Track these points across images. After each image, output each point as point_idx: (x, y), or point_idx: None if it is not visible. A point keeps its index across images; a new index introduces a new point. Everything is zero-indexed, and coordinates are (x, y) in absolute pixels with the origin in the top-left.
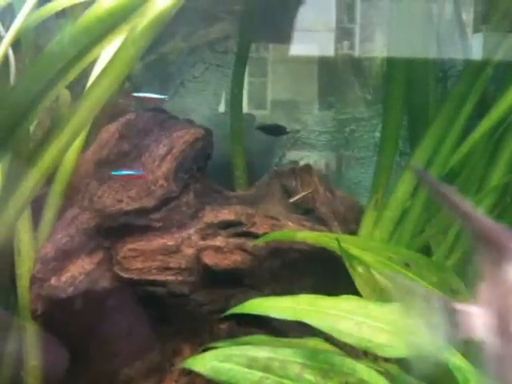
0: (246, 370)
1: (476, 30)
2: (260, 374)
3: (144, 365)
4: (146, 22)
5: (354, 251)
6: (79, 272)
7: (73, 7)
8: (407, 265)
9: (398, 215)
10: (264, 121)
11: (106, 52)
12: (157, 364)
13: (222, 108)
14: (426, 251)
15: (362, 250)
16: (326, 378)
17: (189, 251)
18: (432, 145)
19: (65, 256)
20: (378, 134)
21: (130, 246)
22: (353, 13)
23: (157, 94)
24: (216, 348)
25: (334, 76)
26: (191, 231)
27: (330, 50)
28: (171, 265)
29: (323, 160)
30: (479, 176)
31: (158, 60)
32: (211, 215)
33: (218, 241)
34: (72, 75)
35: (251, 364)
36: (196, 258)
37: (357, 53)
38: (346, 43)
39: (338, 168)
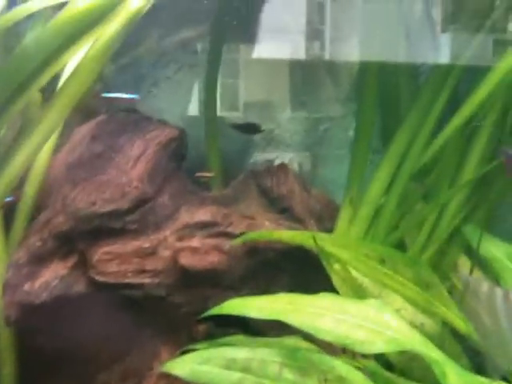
0: (225, 371)
1: (445, 29)
2: (239, 374)
3: (121, 368)
4: (119, 22)
5: (331, 249)
6: (53, 277)
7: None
8: (383, 261)
9: (373, 212)
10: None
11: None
12: (134, 367)
13: (195, 108)
14: (401, 247)
15: (339, 247)
16: (305, 376)
17: (165, 253)
18: (405, 142)
19: (38, 261)
20: (351, 133)
21: (105, 249)
22: (323, 14)
23: (129, 94)
24: (195, 350)
25: (306, 76)
26: (167, 233)
27: (301, 51)
28: (147, 267)
29: (298, 159)
30: (452, 172)
31: (130, 61)
32: (187, 216)
33: (195, 242)
34: (44, 78)
35: (230, 365)
36: (172, 259)
37: (328, 53)
38: (316, 43)
39: (312, 166)
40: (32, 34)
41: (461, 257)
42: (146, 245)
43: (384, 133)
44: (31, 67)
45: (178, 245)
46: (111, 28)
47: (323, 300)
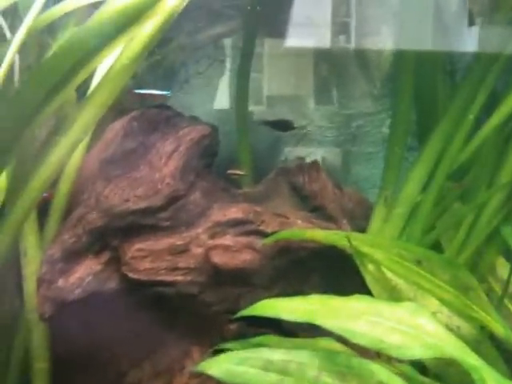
0: (262, 372)
1: (483, 22)
2: (277, 376)
3: (152, 366)
4: (155, 21)
5: (364, 249)
6: (87, 273)
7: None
8: (419, 262)
9: (408, 211)
10: (262, 116)
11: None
12: (166, 366)
13: (226, 104)
14: (437, 248)
15: (372, 247)
16: (344, 381)
17: (197, 250)
18: (441, 140)
19: (72, 257)
20: (384, 129)
21: (138, 245)
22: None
23: (160, 90)
24: (226, 350)
25: (337, 71)
26: (199, 230)
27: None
28: (180, 265)
29: (329, 156)
30: (490, 171)
31: (162, 57)
32: (219, 213)
33: (227, 240)
34: (80, 78)
35: (267, 366)
36: (205, 257)
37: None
38: (342, 37)
39: (344, 164)
40: (66, 34)
41: (499, 258)
42: (179, 242)
43: (420, 129)
44: (67, 66)
45: (211, 242)
46: (147, 27)
47: (357, 302)
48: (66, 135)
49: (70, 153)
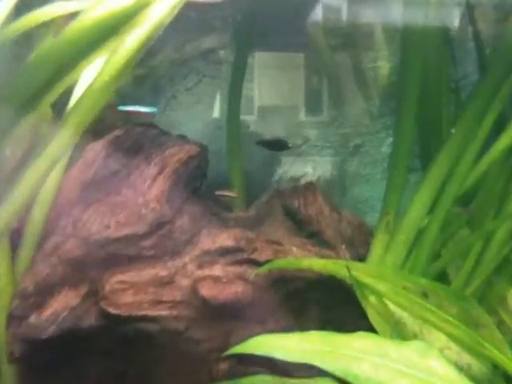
0: None
1: None
2: None
3: None
4: (140, 34)
5: (366, 279)
6: (62, 308)
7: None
8: (425, 294)
9: (412, 238)
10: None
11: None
12: None
13: (216, 122)
14: (443, 277)
15: (374, 278)
16: None
17: (184, 282)
18: (448, 161)
19: (46, 290)
20: (384, 149)
21: (119, 277)
22: None
23: (146, 107)
24: None
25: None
26: (186, 259)
27: None
28: (164, 298)
29: (326, 176)
30: (498, 197)
31: (148, 71)
32: (208, 241)
33: (217, 270)
34: (56, 93)
35: None
36: (192, 289)
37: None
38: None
39: (341, 185)
40: (42, 45)
41: (510, 289)
42: (164, 273)
43: (422, 150)
44: (41, 80)
45: (199, 273)
46: (130, 40)
47: (360, 341)
48: (42, 156)
49: (45, 175)
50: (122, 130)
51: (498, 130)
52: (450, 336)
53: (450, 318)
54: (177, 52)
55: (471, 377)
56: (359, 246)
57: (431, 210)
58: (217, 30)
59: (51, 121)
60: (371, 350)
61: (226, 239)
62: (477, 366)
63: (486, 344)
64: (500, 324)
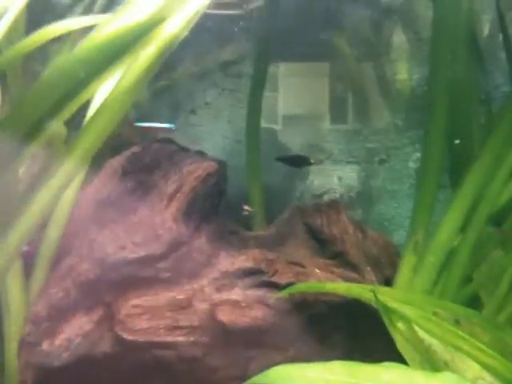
0: None
1: None
2: None
3: None
4: (152, 50)
5: (393, 304)
6: (76, 334)
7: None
8: (457, 321)
9: (442, 260)
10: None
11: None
12: None
13: (236, 136)
14: (476, 303)
15: (402, 302)
16: None
17: (201, 306)
18: (480, 178)
19: (59, 314)
20: (411, 164)
21: (135, 301)
22: None
23: (164, 122)
24: None
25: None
26: (204, 282)
27: None
28: (181, 323)
29: (349, 193)
30: None
31: (166, 85)
32: (227, 262)
33: (235, 294)
34: (69, 110)
35: None
36: (210, 314)
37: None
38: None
39: (366, 203)
40: (56, 61)
41: None
42: (181, 296)
43: (452, 165)
44: (55, 97)
45: (217, 297)
46: (144, 56)
47: (388, 372)
48: (55, 175)
49: (58, 195)
50: (139, 146)
51: None
52: (484, 365)
53: (484, 347)
54: (196, 65)
55: None
56: (386, 268)
57: (462, 229)
58: (236, 42)
59: (65, 139)
60: (399, 382)
61: (245, 261)
62: None
63: None
64: None
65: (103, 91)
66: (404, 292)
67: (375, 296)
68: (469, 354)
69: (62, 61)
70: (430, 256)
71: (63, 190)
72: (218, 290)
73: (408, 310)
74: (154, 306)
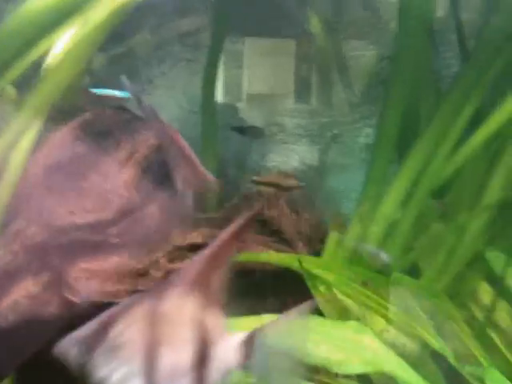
0: None
1: None
2: None
3: None
4: (104, 12)
5: (317, 271)
6: (23, 295)
7: None
8: (364, 283)
9: (385, 231)
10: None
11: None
12: None
13: (193, 107)
14: (415, 270)
15: (324, 269)
16: None
17: (157, 274)
18: (425, 153)
19: (7, 277)
20: (362, 140)
21: (83, 265)
22: None
23: (119, 90)
24: None
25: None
26: (159, 254)
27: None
28: (140, 287)
29: (303, 167)
30: (475, 190)
31: (123, 54)
32: (180, 239)
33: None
34: (17, 70)
35: None
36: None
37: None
38: None
39: (319, 176)
40: (4, 21)
41: (482, 284)
42: (139, 266)
43: (400, 141)
44: (3, 57)
45: (170, 266)
46: (95, 16)
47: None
48: (3, 137)
49: (6, 157)
50: (91, 113)
51: (476, 122)
52: (387, 319)
53: (386, 304)
54: (154, 34)
55: (404, 354)
56: (316, 243)
57: (405, 202)
58: (196, 12)
59: (15, 100)
60: (313, 329)
61: (195, 237)
62: (410, 346)
63: (414, 324)
64: (471, 319)
65: (54, 52)
66: (326, 260)
67: (300, 264)
68: (375, 311)
69: (10, 19)
70: (374, 226)
71: (10, 152)
72: (171, 260)
73: (328, 276)
74: (102, 270)
